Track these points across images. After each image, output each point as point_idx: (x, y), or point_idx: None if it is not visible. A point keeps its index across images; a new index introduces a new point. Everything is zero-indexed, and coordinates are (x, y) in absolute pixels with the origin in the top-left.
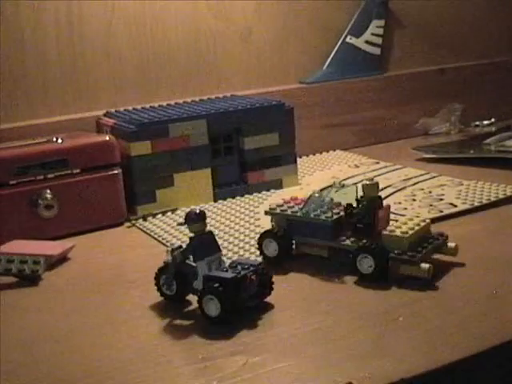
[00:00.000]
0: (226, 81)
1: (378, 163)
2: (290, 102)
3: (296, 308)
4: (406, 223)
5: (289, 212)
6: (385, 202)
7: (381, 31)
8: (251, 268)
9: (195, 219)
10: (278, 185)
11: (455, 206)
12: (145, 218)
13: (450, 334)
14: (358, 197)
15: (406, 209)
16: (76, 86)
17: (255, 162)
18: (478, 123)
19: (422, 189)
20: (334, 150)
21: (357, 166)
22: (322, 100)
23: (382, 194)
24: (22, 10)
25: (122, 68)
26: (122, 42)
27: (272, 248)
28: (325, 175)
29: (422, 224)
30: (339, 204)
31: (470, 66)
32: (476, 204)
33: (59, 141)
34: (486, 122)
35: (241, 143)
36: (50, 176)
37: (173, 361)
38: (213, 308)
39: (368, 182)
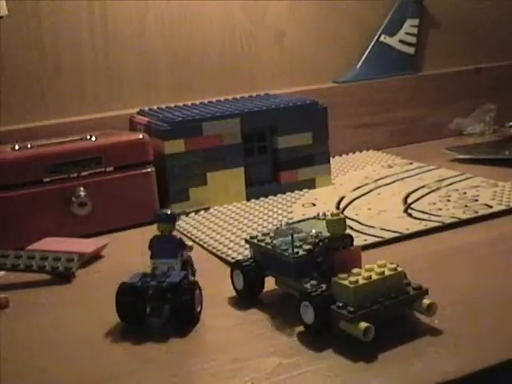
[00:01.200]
0: (259, 80)
1: (411, 164)
2: (324, 102)
3: None
4: (371, 270)
5: (263, 243)
6: (356, 243)
7: (415, 30)
8: (166, 281)
9: (164, 219)
10: (311, 184)
11: (491, 206)
12: (178, 217)
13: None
14: (344, 230)
15: (440, 209)
16: (109, 85)
17: (288, 161)
18: None
19: (457, 189)
20: (367, 150)
21: (390, 167)
22: (355, 99)
23: (417, 194)
24: (56, 10)
25: (156, 66)
26: (155, 40)
27: (240, 281)
28: (358, 175)
29: (389, 273)
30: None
31: (505, 66)
32: None
33: (93, 139)
34: None
35: (274, 142)
36: (83, 174)
37: (205, 361)
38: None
39: (333, 217)
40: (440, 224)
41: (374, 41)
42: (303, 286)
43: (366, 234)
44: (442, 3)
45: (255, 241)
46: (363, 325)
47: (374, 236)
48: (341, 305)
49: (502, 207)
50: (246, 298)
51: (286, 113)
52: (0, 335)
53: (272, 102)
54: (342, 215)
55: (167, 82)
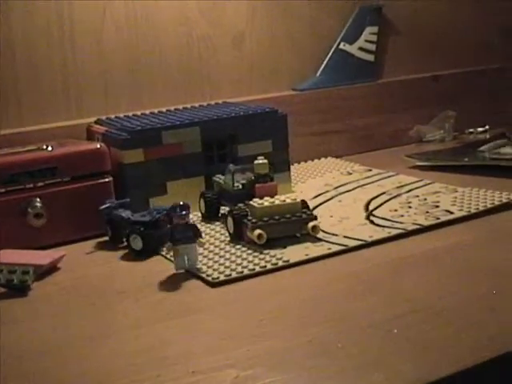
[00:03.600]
0: (218, 87)
1: (370, 170)
2: (283, 109)
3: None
4: (277, 199)
5: (220, 180)
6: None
7: (374, 38)
8: (164, 212)
9: None
10: None
11: (452, 212)
12: None
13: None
14: (266, 171)
15: (402, 216)
16: (66, 93)
17: None
18: (471, 130)
19: (417, 196)
20: (326, 157)
21: (349, 173)
22: (315, 107)
23: (378, 200)
24: (12, 13)
25: (113, 74)
26: (113, 47)
27: (202, 206)
28: (317, 182)
29: (288, 201)
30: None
31: (463, 73)
32: (473, 211)
33: (49, 148)
34: (480, 129)
35: (234, 150)
36: (39, 184)
37: (163, 374)
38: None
39: (260, 162)
40: (403, 231)
41: (333, 48)
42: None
43: (329, 242)
44: (401, 11)
45: (217, 179)
46: (257, 231)
47: (337, 244)
48: (249, 219)
49: (463, 213)
50: (206, 218)
51: (245, 121)
52: None
53: (232, 109)
54: (265, 160)
55: (125, 90)
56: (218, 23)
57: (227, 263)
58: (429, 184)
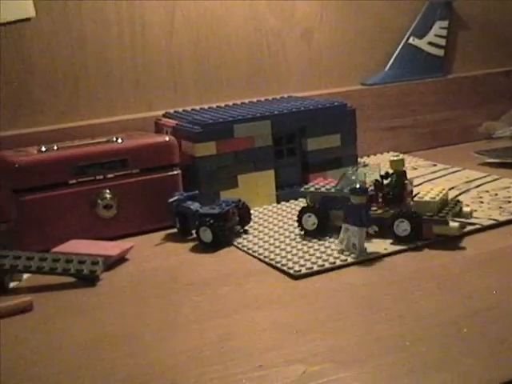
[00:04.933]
0: (286, 81)
1: (435, 165)
2: (352, 104)
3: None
4: (429, 192)
5: (323, 190)
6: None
7: (444, 32)
8: (232, 204)
9: None
10: None
11: None
12: None
13: None
14: (381, 173)
15: (475, 211)
16: (136, 86)
17: (317, 163)
18: None
19: (487, 191)
20: (388, 152)
21: (414, 168)
22: (383, 102)
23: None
24: (84, 11)
25: (182, 68)
26: (182, 41)
27: (311, 222)
28: None
29: (444, 192)
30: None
31: None
32: None
33: (119, 141)
34: None
35: (303, 144)
36: (109, 176)
37: (230, 368)
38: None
39: (395, 158)
40: (479, 226)
41: (402, 43)
42: (390, 211)
43: None
44: (472, 5)
45: (313, 189)
46: (455, 224)
47: None
48: (430, 214)
49: None
50: (319, 233)
51: (315, 115)
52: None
53: (301, 103)
54: (401, 156)
55: (193, 84)
56: (287, 18)
57: (302, 255)
58: (497, 179)
